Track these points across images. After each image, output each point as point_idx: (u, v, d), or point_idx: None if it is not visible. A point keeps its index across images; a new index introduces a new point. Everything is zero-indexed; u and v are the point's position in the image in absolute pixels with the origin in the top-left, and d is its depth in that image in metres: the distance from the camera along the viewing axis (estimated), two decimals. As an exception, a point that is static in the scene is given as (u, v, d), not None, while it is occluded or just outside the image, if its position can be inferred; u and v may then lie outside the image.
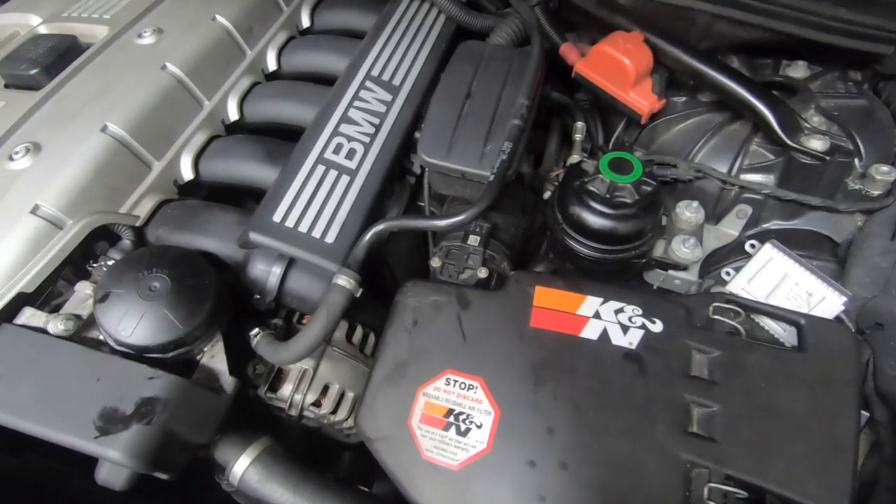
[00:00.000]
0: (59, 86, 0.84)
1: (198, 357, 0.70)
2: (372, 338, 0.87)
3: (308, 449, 0.88)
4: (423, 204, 0.92)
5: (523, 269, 0.77)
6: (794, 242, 0.76)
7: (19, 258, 0.67)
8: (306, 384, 0.77)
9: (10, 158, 0.74)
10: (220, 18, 0.95)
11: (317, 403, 0.78)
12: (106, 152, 0.76)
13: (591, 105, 1.03)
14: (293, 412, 0.77)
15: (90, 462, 0.77)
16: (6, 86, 0.89)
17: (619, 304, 0.65)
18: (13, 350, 0.63)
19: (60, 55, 0.87)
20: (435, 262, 0.82)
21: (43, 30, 0.98)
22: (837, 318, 0.70)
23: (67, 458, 0.88)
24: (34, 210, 0.69)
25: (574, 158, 0.95)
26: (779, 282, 0.74)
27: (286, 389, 0.77)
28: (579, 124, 0.97)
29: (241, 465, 0.68)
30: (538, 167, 1.02)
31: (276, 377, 0.78)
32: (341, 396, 0.79)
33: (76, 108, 0.80)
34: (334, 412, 0.78)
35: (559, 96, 1.02)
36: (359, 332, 0.86)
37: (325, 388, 0.79)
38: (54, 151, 0.75)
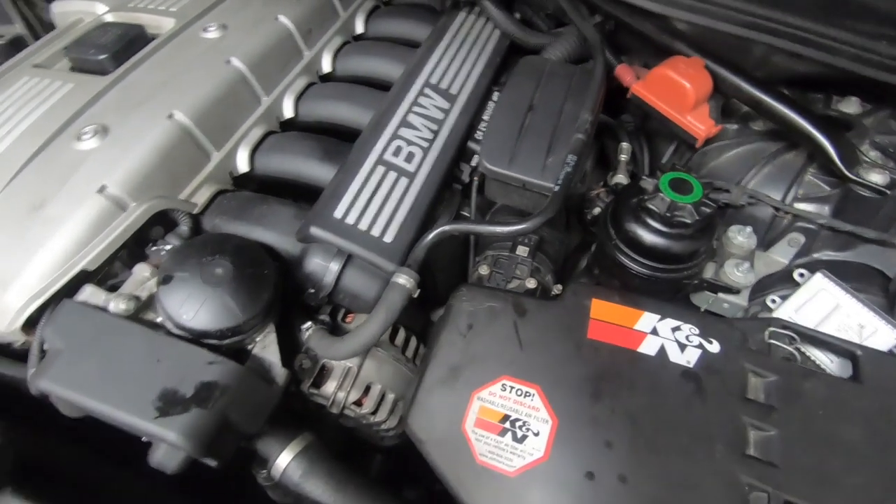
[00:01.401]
0: (126, 72, 0.86)
1: (249, 347, 0.70)
2: (413, 341, 0.88)
3: (341, 448, 0.88)
4: (465, 213, 0.93)
5: (577, 282, 0.77)
6: (844, 274, 0.76)
7: (84, 236, 0.68)
8: (350, 382, 0.77)
9: (79, 139, 0.75)
10: (282, 19, 0.98)
11: (358, 403, 0.78)
12: (171, 139, 0.78)
13: (637, 127, 1.05)
14: (334, 409, 0.77)
15: (114, 449, 0.77)
16: (73, 69, 0.91)
17: (676, 322, 0.65)
18: (74, 326, 0.63)
19: (128, 43, 0.90)
20: (483, 270, 0.83)
21: (109, 18, 1.00)
22: (890, 352, 0.70)
23: (95, 447, 0.88)
24: (101, 190, 0.70)
25: (620, 178, 0.96)
26: (829, 312, 0.74)
27: (330, 386, 0.77)
28: (625, 145, 0.99)
29: (285, 460, 0.68)
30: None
31: (320, 373, 0.78)
32: (382, 397, 0.79)
33: (143, 95, 0.82)
34: (374, 412, 0.78)
35: (603, 117, 1.04)
36: (401, 334, 0.86)
37: (368, 388, 0.79)
38: (122, 135, 0.76)
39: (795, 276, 0.79)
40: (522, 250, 0.83)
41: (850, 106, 0.87)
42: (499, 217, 0.94)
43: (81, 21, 1.02)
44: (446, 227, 0.70)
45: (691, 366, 0.62)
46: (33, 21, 1.32)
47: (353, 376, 0.77)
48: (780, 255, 0.80)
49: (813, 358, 0.70)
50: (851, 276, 0.78)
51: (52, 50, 0.93)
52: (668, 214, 0.70)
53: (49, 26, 1.33)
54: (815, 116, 0.77)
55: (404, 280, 0.67)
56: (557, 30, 1.08)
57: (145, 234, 0.75)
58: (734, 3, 0.82)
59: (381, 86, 0.98)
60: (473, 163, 0.91)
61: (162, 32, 0.94)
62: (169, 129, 0.78)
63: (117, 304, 0.65)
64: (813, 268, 0.78)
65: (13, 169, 0.72)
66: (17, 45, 1.30)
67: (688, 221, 0.69)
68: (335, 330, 0.81)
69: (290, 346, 0.75)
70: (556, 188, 0.69)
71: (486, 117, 0.93)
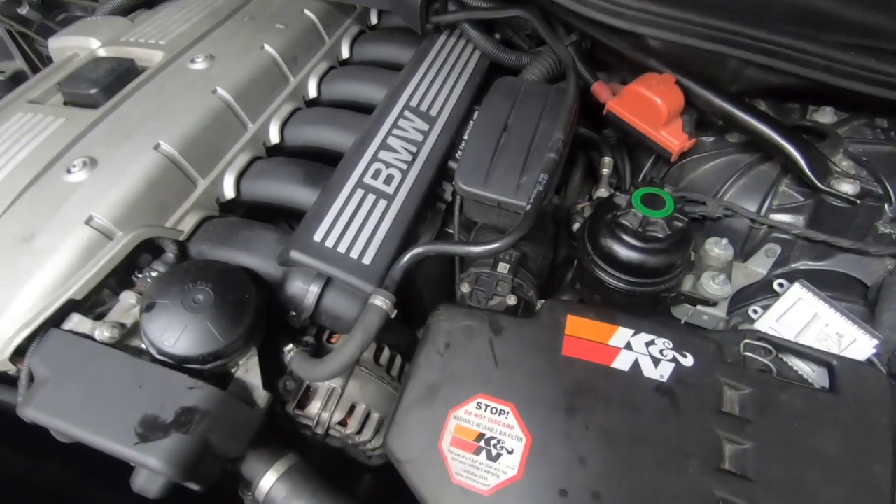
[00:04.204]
0: (115, 105, 0.89)
1: (232, 370, 0.71)
2: (398, 360, 0.89)
3: (329, 469, 0.88)
4: (450, 230, 0.94)
5: (552, 299, 0.78)
6: (823, 283, 0.76)
7: (71, 266, 0.70)
8: (334, 403, 0.78)
9: (69, 171, 0.78)
10: (267, 48, 1.01)
11: (343, 423, 0.79)
12: (157, 169, 0.80)
13: (619, 141, 1.06)
14: (319, 430, 0.78)
15: (107, 472, 0.78)
16: (65, 103, 0.95)
17: (650, 337, 0.66)
18: (61, 354, 0.65)
19: (118, 77, 0.93)
20: (464, 288, 0.84)
21: (102, 53, 1.04)
22: (868, 361, 0.70)
23: (87, 468, 0.89)
24: (88, 221, 0.73)
25: (602, 192, 0.97)
26: (808, 322, 0.75)
27: (314, 407, 0.78)
28: (607, 159, 1.00)
29: (269, 481, 0.68)
30: (561, 199, 1.04)
31: (304, 394, 0.79)
32: (367, 417, 0.80)
33: (131, 127, 0.85)
34: (359, 432, 0.79)
35: (586, 132, 1.05)
36: (386, 353, 0.87)
37: (352, 408, 0.79)
38: (109, 166, 0.79)
39: (775, 286, 0.80)
40: (503, 267, 0.84)
41: (825, 116, 0.88)
42: (482, 234, 0.95)
43: (77, 56, 1.06)
44: (420, 249, 0.71)
45: (665, 380, 0.63)
46: (32, 56, 1.37)
47: (336, 396, 0.78)
48: (759, 265, 0.80)
49: (795, 368, 0.70)
50: (831, 285, 0.79)
51: (46, 85, 0.97)
52: (640, 230, 0.71)
53: (48, 60, 1.38)
54: (786, 128, 0.78)
55: (381, 301, 0.68)
56: (537, 49, 1.10)
57: (133, 262, 0.78)
58: (705, 20, 0.83)
59: (366, 109, 1.00)
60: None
61: (152, 65, 0.97)
62: (155, 158, 0.80)
63: (102, 332, 0.67)
64: (792, 277, 0.78)
65: (5, 202, 0.75)
66: (17, 80, 1.35)
67: (660, 236, 0.70)
68: (320, 350, 0.82)
69: (274, 369, 0.76)
70: (528, 207, 0.71)
71: (467, 137, 0.95)
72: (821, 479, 0.56)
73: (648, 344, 0.65)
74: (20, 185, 0.77)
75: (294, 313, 0.76)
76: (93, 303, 0.74)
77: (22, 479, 0.91)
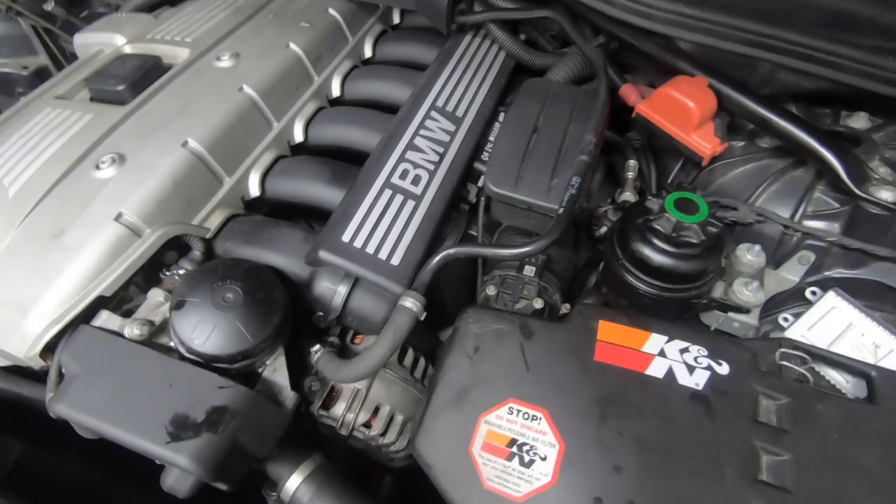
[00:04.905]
0: (143, 102, 0.89)
1: (259, 370, 0.71)
2: (422, 361, 0.88)
3: (349, 469, 0.88)
4: (472, 232, 0.94)
5: (583, 303, 0.77)
6: (857, 292, 0.75)
7: (101, 262, 0.70)
8: (359, 404, 0.78)
9: (97, 167, 0.78)
10: (293, 46, 1.00)
11: (367, 424, 0.78)
12: (185, 166, 0.80)
13: (643, 145, 1.05)
14: (343, 431, 0.78)
15: (129, 470, 0.78)
16: (92, 99, 0.95)
17: (684, 344, 0.65)
18: (91, 351, 0.65)
19: (145, 74, 0.93)
20: (490, 290, 0.83)
21: (128, 49, 1.04)
22: (907, 372, 0.68)
23: (110, 465, 0.89)
24: (118, 217, 0.73)
25: (627, 196, 0.96)
26: (843, 331, 0.73)
27: (339, 408, 0.77)
28: (632, 163, 0.99)
29: (294, 482, 0.68)
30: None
31: (329, 395, 0.79)
32: (391, 418, 0.80)
33: (159, 124, 0.85)
34: (383, 434, 0.79)
35: (609, 134, 1.04)
36: (410, 355, 0.86)
37: (376, 410, 0.79)
38: (138, 163, 0.79)
39: (807, 293, 0.78)
40: (529, 270, 0.83)
41: (859, 121, 0.86)
42: (506, 236, 0.95)
43: (102, 52, 1.06)
44: (451, 251, 0.70)
45: (700, 388, 0.62)
46: (56, 52, 1.38)
47: (361, 398, 0.78)
48: (791, 273, 0.79)
49: (828, 378, 0.69)
50: (865, 294, 0.77)
51: (73, 81, 0.97)
52: (673, 234, 0.69)
53: (72, 56, 1.39)
54: (822, 133, 0.76)
55: (411, 303, 0.68)
56: (562, 50, 1.09)
57: (159, 259, 0.77)
58: (737, 23, 0.82)
59: (389, 108, 1.00)
60: (480, 183, 0.92)
61: (177, 62, 0.97)
62: (183, 156, 0.80)
63: (132, 329, 0.67)
64: (825, 285, 0.77)
65: (35, 198, 0.75)
66: (41, 75, 1.36)
67: (694, 241, 0.69)
68: (344, 351, 0.82)
69: (299, 368, 0.76)
70: (561, 211, 0.70)
71: (492, 138, 0.94)
72: (861, 493, 0.55)
73: (682, 351, 0.64)
74: (50, 181, 0.77)
75: (321, 313, 0.75)
76: (120, 299, 0.74)
77: (41, 473, 0.92)
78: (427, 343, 0.94)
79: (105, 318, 0.69)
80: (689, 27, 0.84)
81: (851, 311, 0.72)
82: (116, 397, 0.61)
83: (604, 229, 0.90)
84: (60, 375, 0.66)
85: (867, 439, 0.58)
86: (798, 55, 0.81)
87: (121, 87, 0.90)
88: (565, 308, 0.84)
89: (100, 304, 0.70)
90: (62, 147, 0.82)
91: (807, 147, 0.76)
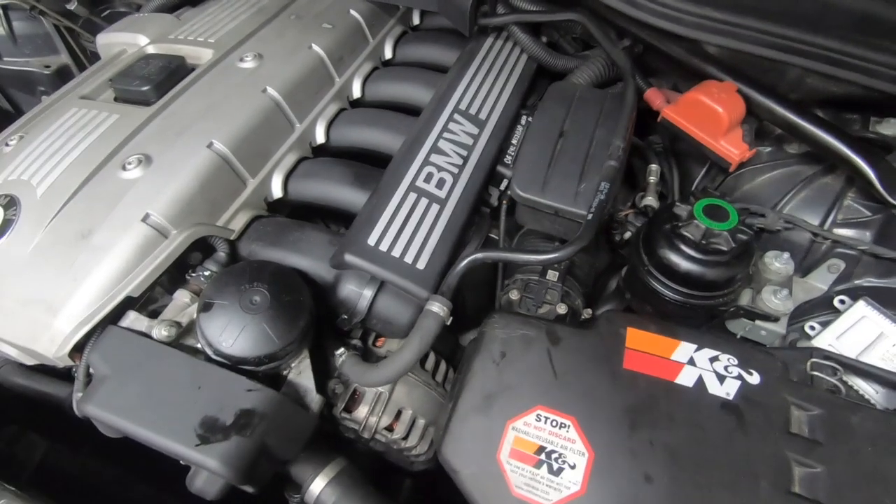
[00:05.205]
0: (168, 103, 0.89)
1: (285, 373, 0.71)
2: (443, 365, 0.88)
3: (369, 472, 0.88)
4: (493, 236, 0.93)
5: (611, 310, 0.76)
6: (888, 301, 0.74)
7: (128, 263, 0.71)
8: (381, 407, 0.78)
9: (124, 168, 0.78)
10: (315, 47, 1.00)
11: (389, 428, 0.78)
12: (210, 168, 0.80)
13: (666, 149, 1.04)
14: (366, 434, 0.78)
15: (150, 471, 0.78)
16: (116, 99, 0.95)
17: (714, 352, 0.64)
18: (119, 352, 0.65)
19: (170, 74, 0.93)
20: (513, 295, 0.83)
21: (151, 50, 1.04)
22: (941, 384, 0.67)
23: (130, 467, 0.90)
24: (145, 218, 0.73)
25: (649, 201, 0.95)
26: (873, 341, 0.72)
27: (361, 411, 0.77)
28: (654, 167, 0.98)
29: (318, 485, 0.68)
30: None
31: (351, 398, 0.79)
32: (413, 422, 0.80)
33: (184, 125, 0.85)
34: (405, 438, 0.78)
35: (632, 138, 1.03)
36: (431, 358, 0.86)
37: (399, 413, 0.79)
38: (164, 164, 0.79)
39: (836, 302, 0.77)
40: (552, 275, 0.83)
41: (890, 128, 0.85)
42: (527, 240, 0.94)
43: (125, 52, 1.07)
44: (479, 255, 0.70)
45: (731, 398, 0.61)
46: (78, 51, 1.38)
47: (384, 401, 0.78)
48: (820, 281, 0.78)
49: (857, 388, 0.68)
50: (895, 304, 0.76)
51: (97, 81, 0.97)
52: (703, 241, 0.69)
53: (93, 56, 1.40)
54: (854, 139, 0.75)
55: (438, 308, 0.67)
56: (584, 53, 1.08)
57: (185, 260, 0.78)
58: (766, 27, 0.81)
59: (410, 110, 0.99)
60: (502, 186, 0.91)
61: (201, 63, 0.98)
62: (208, 157, 0.80)
63: (160, 331, 0.67)
64: (854, 294, 0.76)
65: (63, 198, 0.76)
66: (62, 74, 1.37)
67: (724, 248, 0.68)
68: (366, 354, 0.82)
69: (322, 371, 0.76)
70: (590, 216, 0.69)
71: (514, 141, 0.93)
72: (896, 507, 0.54)
73: (713, 360, 0.64)
74: (77, 182, 0.77)
75: (346, 316, 0.75)
76: (146, 300, 0.74)
77: (66, 471, 0.92)
78: (448, 347, 0.94)
79: (132, 319, 0.69)
80: (718, 31, 0.83)
81: (883, 320, 0.72)
82: (146, 399, 0.61)
83: (627, 234, 0.89)
84: (88, 376, 0.66)
85: (902, 452, 0.57)
86: (828, 60, 0.80)
87: (145, 88, 0.90)
88: (587, 313, 0.84)
89: (127, 304, 0.70)
90: (88, 147, 0.82)
91: (838, 153, 0.75)
